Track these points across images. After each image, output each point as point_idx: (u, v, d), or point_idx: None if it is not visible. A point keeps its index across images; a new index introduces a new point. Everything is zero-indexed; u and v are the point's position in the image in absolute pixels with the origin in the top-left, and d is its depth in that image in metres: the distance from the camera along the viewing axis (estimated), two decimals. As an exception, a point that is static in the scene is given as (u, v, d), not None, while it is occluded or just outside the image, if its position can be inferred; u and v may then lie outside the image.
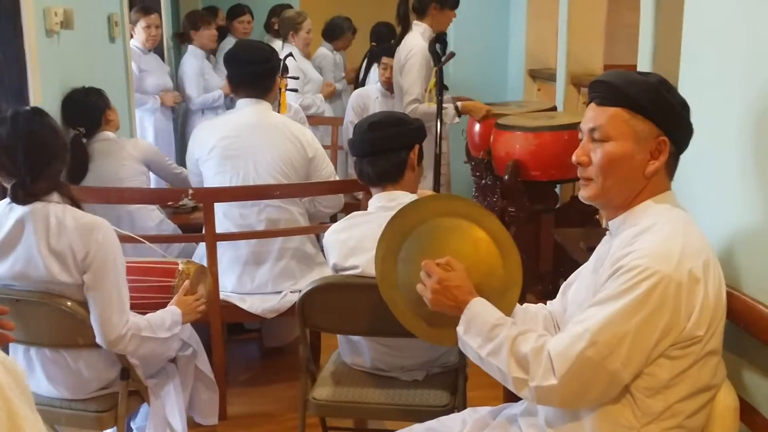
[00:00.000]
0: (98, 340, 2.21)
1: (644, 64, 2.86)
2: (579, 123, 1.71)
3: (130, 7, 4.53)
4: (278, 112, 3.62)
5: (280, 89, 3.55)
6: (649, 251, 1.51)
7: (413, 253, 1.92)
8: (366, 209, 2.38)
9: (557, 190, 4.24)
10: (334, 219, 3.62)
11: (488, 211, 2.02)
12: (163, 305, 2.41)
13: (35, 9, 2.94)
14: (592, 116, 1.64)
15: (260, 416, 3.17)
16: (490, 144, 3.90)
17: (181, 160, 4.05)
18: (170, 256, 3.09)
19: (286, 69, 3.82)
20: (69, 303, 2.20)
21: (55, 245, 2.16)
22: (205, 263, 2.92)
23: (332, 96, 5.64)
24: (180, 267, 2.52)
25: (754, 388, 1.70)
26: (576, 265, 1.98)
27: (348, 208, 3.18)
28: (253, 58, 3.16)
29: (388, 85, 4.59)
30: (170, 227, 3.54)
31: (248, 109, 3.18)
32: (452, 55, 3.73)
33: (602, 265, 1.63)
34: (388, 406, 2.31)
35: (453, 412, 2.16)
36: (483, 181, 4.29)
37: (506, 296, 1.88)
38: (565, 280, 1.95)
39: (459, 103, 4.12)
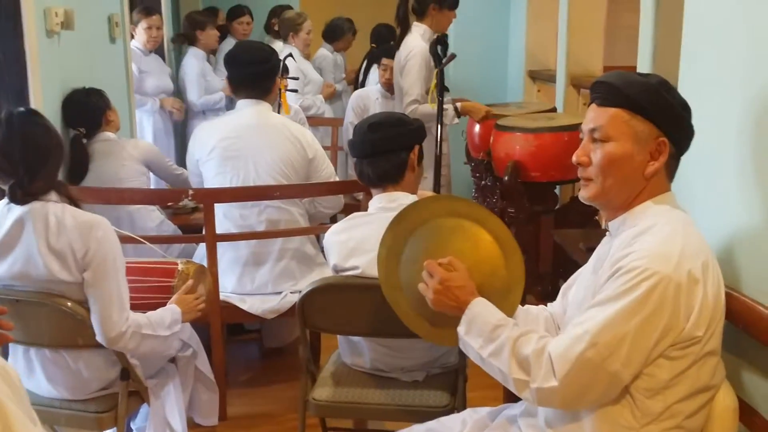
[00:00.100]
0: (98, 337, 2.21)
1: (644, 65, 2.86)
2: (579, 124, 1.71)
3: (131, 8, 4.52)
4: (279, 113, 3.62)
5: (280, 90, 3.55)
6: (649, 252, 1.51)
7: (416, 253, 1.92)
8: (366, 210, 2.38)
9: (557, 191, 4.24)
10: (334, 220, 3.62)
11: (490, 211, 2.01)
12: (163, 305, 2.41)
13: (35, 9, 2.94)
14: (593, 117, 1.65)
15: (260, 417, 3.16)
16: (489, 145, 3.90)
17: (181, 161, 4.05)
18: (170, 257, 3.09)
19: (286, 69, 3.82)
20: (69, 303, 2.20)
21: (54, 244, 2.16)
22: (205, 264, 2.92)
23: (332, 97, 5.64)
24: (179, 267, 2.52)
25: (753, 388, 1.70)
26: (576, 265, 1.98)
27: (348, 209, 3.18)
28: (253, 58, 3.16)
29: (388, 86, 4.59)
30: (170, 228, 3.54)
31: (248, 109, 3.18)
32: (453, 56, 3.73)
33: (602, 266, 1.63)
34: (388, 406, 2.31)
35: (453, 412, 2.16)
36: (483, 182, 4.29)
37: (509, 297, 1.88)
38: (564, 281, 1.95)
39: (458, 104, 4.11)
